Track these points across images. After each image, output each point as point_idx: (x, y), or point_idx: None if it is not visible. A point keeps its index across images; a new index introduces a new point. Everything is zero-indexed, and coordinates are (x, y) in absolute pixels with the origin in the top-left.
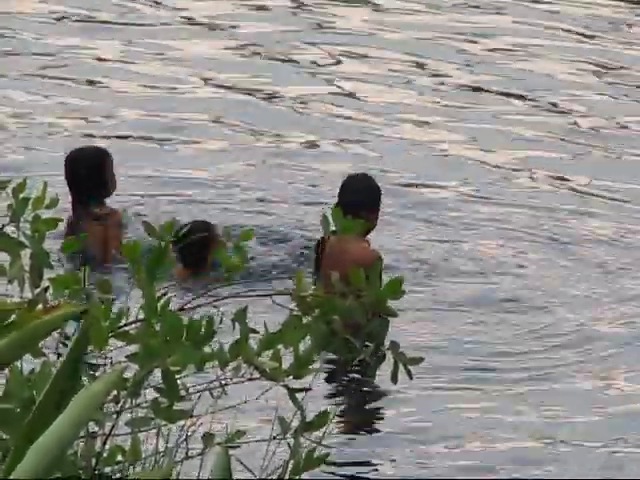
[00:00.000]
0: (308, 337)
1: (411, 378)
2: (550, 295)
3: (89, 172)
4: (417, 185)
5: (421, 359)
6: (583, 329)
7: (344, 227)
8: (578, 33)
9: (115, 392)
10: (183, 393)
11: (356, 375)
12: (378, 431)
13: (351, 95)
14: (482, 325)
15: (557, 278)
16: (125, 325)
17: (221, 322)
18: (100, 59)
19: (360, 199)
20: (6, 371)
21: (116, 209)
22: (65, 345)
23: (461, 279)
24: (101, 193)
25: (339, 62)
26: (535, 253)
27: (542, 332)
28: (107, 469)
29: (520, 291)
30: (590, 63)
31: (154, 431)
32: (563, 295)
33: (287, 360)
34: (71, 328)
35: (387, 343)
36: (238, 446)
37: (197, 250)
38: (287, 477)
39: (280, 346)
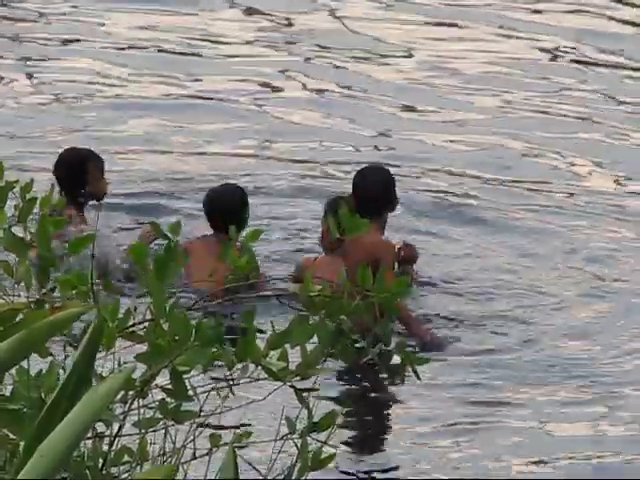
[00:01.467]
0: (315, 337)
1: (419, 378)
2: None
3: (69, 171)
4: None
5: (428, 359)
6: None
7: (352, 227)
8: None
9: (123, 392)
10: (191, 393)
11: (363, 375)
12: (385, 431)
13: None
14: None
15: None
16: (133, 325)
17: (229, 322)
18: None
19: (381, 194)
20: (13, 371)
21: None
22: (72, 345)
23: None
24: (77, 194)
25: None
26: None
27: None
28: (114, 469)
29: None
30: None
31: (162, 431)
32: None
33: (295, 360)
34: (77, 328)
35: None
36: (245, 446)
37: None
38: (294, 477)
39: (287, 346)
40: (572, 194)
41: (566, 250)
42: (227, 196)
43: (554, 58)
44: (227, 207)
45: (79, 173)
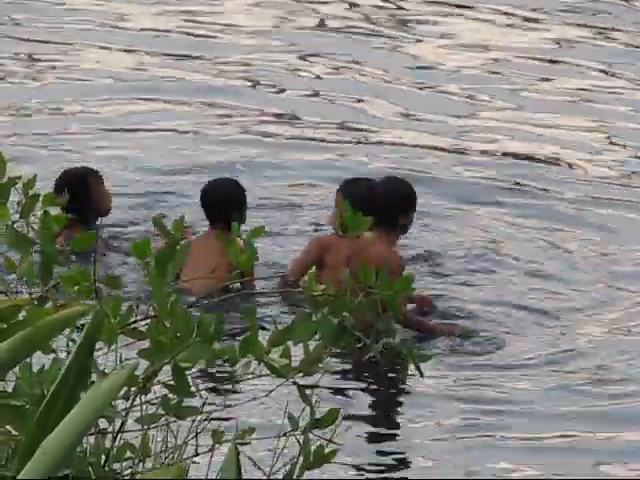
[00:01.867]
0: (318, 334)
1: (422, 375)
2: None
3: (71, 191)
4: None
5: (430, 356)
6: None
7: (354, 224)
8: None
9: (125, 389)
10: (193, 389)
11: (366, 372)
12: (388, 428)
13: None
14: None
15: None
16: (135, 322)
17: (231, 319)
18: None
19: (397, 205)
20: (16, 368)
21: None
22: (75, 343)
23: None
24: (83, 213)
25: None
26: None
27: None
28: (117, 466)
29: None
30: None
31: (164, 428)
32: None
33: (298, 357)
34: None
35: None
36: (248, 443)
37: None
38: (296, 474)
39: (290, 343)
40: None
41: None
42: (223, 188)
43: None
44: (223, 198)
45: (82, 190)
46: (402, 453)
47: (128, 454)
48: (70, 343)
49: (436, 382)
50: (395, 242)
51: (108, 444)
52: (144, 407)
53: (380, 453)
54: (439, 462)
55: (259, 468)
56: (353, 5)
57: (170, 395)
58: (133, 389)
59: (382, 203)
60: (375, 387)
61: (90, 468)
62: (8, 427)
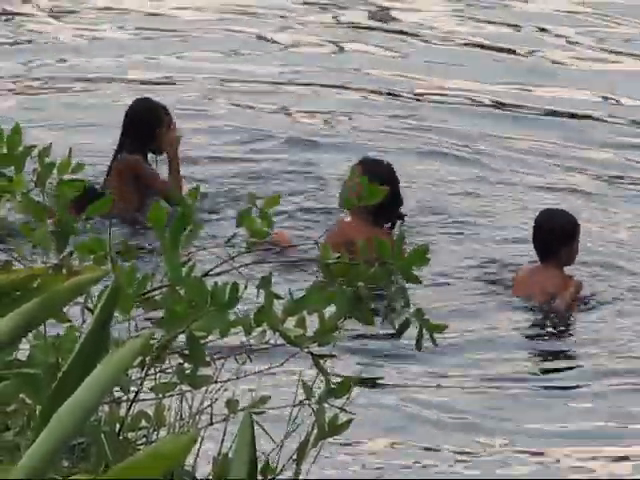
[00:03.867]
0: (333, 304)
1: (435, 345)
2: None
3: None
4: None
5: (445, 326)
6: None
7: (369, 194)
8: None
9: (140, 358)
10: (208, 359)
11: (381, 342)
12: (403, 397)
13: None
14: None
15: None
16: (150, 291)
17: (246, 288)
18: None
19: (554, 237)
20: (30, 336)
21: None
22: (89, 310)
23: None
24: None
25: None
26: None
27: None
28: (131, 434)
29: None
30: None
31: (178, 397)
32: None
33: (313, 327)
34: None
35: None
36: (262, 412)
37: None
38: (311, 443)
39: (304, 312)
40: None
41: None
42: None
43: None
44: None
45: (153, 124)
46: (418, 420)
47: (143, 423)
48: (84, 310)
49: (452, 351)
50: (563, 269)
51: (123, 413)
52: (159, 376)
53: (396, 419)
54: (455, 430)
55: (271, 438)
56: None
57: (185, 364)
58: (148, 358)
59: (544, 238)
60: (391, 355)
61: (104, 437)
62: (22, 395)
